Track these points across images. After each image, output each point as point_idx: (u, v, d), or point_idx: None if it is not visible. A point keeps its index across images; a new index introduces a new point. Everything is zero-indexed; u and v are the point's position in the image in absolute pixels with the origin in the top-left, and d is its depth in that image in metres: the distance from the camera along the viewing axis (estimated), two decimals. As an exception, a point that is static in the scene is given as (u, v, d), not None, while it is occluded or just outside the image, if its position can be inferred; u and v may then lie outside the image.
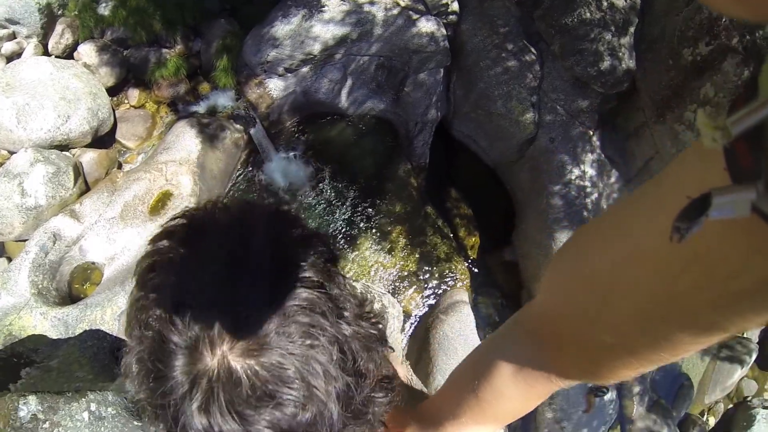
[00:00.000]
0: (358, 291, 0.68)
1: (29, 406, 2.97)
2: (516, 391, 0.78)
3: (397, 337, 2.97)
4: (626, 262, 0.56)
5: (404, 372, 1.27)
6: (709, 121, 0.39)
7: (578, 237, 0.70)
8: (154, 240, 0.66)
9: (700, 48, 4.46)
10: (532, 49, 5.16)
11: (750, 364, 6.44)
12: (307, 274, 0.59)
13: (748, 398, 6.64)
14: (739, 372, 6.35)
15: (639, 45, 4.96)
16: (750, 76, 0.39)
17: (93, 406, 3.21)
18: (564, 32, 4.92)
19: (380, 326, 0.68)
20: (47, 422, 3.03)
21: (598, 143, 5.15)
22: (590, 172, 5.08)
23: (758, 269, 0.41)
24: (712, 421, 6.48)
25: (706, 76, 4.43)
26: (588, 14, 4.82)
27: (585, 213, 5.04)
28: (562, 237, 5.07)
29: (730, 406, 6.65)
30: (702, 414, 6.46)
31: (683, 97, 4.61)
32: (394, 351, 1.21)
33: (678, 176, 0.52)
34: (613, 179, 5.13)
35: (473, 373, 0.84)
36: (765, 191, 0.35)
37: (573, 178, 5.07)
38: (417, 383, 3.76)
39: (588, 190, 5.05)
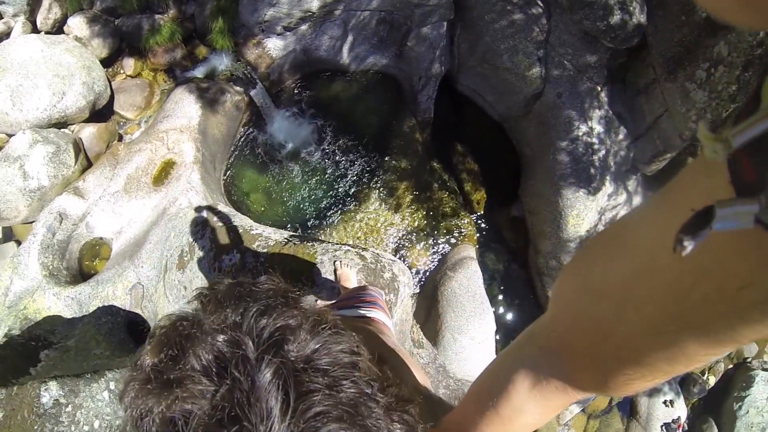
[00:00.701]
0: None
1: (50, 391, 3.08)
2: (535, 406, 0.79)
3: (408, 303, 3.02)
4: (638, 275, 0.56)
5: (424, 377, 1.26)
6: (709, 133, 0.40)
7: (587, 251, 0.70)
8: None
9: (716, 4, 4.27)
10: (539, 2, 4.96)
11: None
12: None
13: (748, 359, 6.75)
14: None
15: (650, 1, 4.75)
16: (754, 87, 0.39)
17: (112, 385, 3.33)
18: (572, -17, 4.71)
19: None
20: (69, 405, 3.15)
21: (606, 99, 5.03)
22: (598, 128, 4.99)
23: (767, 279, 0.41)
24: (712, 380, 6.60)
25: (720, 35, 4.28)
26: (598, -35, 4.61)
27: (592, 170, 5.00)
28: (569, 194, 5.05)
29: (730, 366, 6.75)
30: (702, 373, 6.58)
31: (696, 55, 4.46)
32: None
33: (685, 189, 0.52)
34: (621, 136, 5.04)
35: (491, 390, 0.85)
36: None
37: (580, 134, 4.98)
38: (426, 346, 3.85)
39: (595, 146, 4.98)
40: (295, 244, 3.00)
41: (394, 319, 2.65)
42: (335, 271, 2.84)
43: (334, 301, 1.96)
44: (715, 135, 0.39)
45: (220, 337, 0.55)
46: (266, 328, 0.56)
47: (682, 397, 6.13)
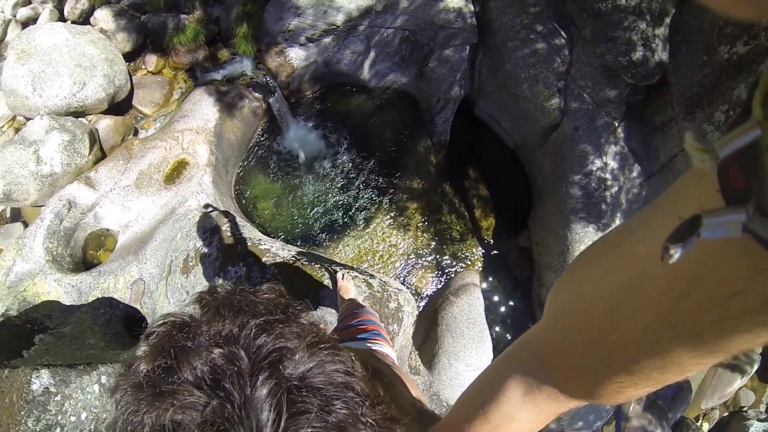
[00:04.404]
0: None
1: (41, 379, 3.06)
2: (526, 414, 0.79)
3: (409, 330, 2.99)
4: (631, 283, 0.56)
5: (418, 392, 1.26)
6: (696, 143, 0.40)
7: (581, 260, 0.70)
8: None
9: (738, 47, 4.26)
10: (563, 33, 4.97)
11: (750, 375, 6.39)
12: None
13: (744, 408, 6.59)
14: (739, 381, 6.29)
15: (673, 37, 4.74)
16: (744, 101, 0.39)
17: (103, 379, 3.30)
18: (597, 17, 4.71)
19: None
20: (59, 395, 3.12)
21: (622, 135, 5.00)
22: (612, 164, 4.96)
23: (758, 289, 0.42)
24: (705, 427, 6.46)
25: (741, 78, 4.26)
26: (623, 0, 4.60)
27: (603, 206, 4.96)
28: (578, 228, 5.01)
29: (726, 414, 6.61)
30: (697, 419, 6.45)
31: (715, 96, 4.44)
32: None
33: (676, 199, 0.53)
34: (635, 173, 5.01)
35: (482, 398, 0.84)
36: (755, 213, 0.36)
37: (594, 169, 4.96)
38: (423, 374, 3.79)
39: (608, 182, 4.95)
40: (303, 263, 2.98)
41: (396, 347, 2.62)
42: (336, 281, 2.82)
43: (337, 328, 1.95)
44: (702, 145, 0.39)
45: (216, 351, 0.55)
46: (263, 347, 0.56)
47: (674, 443, 6.02)
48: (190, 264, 3.16)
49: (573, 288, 0.70)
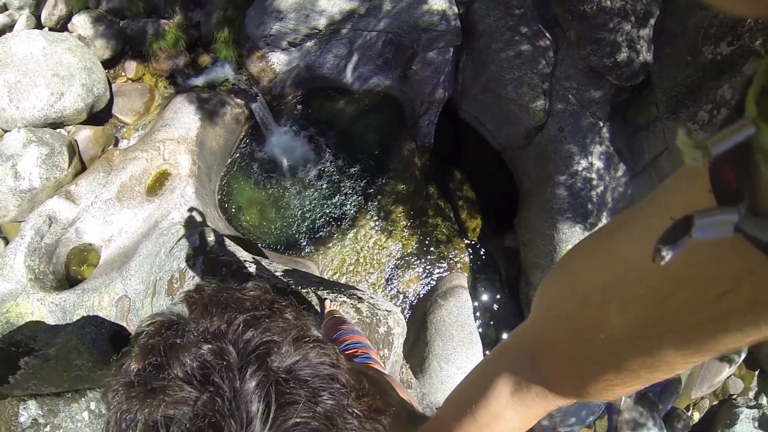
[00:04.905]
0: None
1: (29, 411, 3.00)
2: (514, 413, 0.78)
3: (400, 353, 2.97)
4: (620, 280, 0.55)
5: (408, 396, 1.28)
6: (689, 140, 0.40)
7: (569, 258, 0.69)
8: None
9: (722, 47, 4.29)
10: (547, 35, 4.95)
11: (738, 363, 6.48)
12: None
13: (734, 396, 6.70)
14: (727, 370, 6.39)
15: (657, 38, 4.75)
16: (737, 99, 0.38)
17: (92, 405, 3.25)
18: (582, 19, 4.70)
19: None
20: (48, 426, 3.06)
21: (607, 135, 5.02)
22: (598, 164, 4.98)
23: (748, 289, 0.42)
24: (696, 416, 6.56)
25: (725, 77, 4.28)
26: (608, 2, 4.59)
27: (589, 206, 4.98)
28: (565, 228, 5.03)
29: (715, 402, 6.71)
30: (687, 408, 6.55)
31: (699, 96, 4.46)
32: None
33: (667, 198, 0.53)
34: (620, 173, 5.03)
35: (470, 397, 0.83)
36: (747, 213, 0.36)
37: (580, 169, 4.97)
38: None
39: (594, 182, 4.97)
40: (290, 284, 2.93)
41: (387, 369, 2.60)
42: (323, 304, 2.81)
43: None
44: (694, 142, 0.39)
45: (205, 347, 0.56)
46: (251, 341, 0.57)
47: (665, 433, 6.10)
48: (175, 286, 3.11)
49: (561, 285, 0.69)
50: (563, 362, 0.68)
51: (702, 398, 6.65)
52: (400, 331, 2.83)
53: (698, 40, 4.40)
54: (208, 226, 3.23)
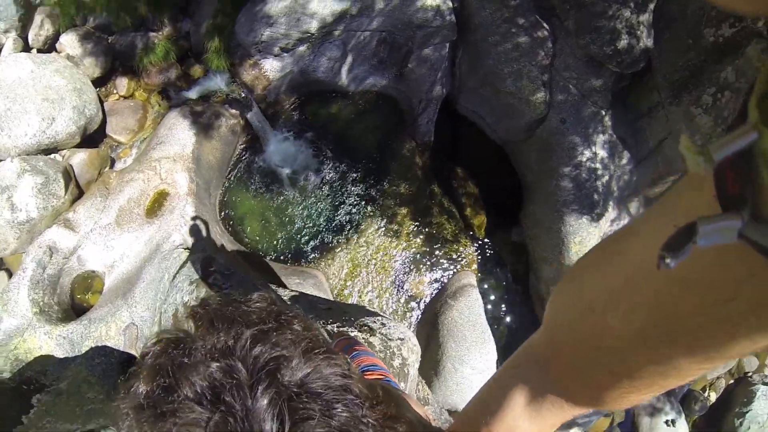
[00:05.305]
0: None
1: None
2: (530, 424, 0.77)
3: (415, 378, 2.91)
4: (628, 287, 0.56)
5: (423, 411, 1.26)
6: (691, 145, 0.40)
7: (578, 267, 0.70)
8: None
9: (723, 29, 4.18)
10: (545, 25, 4.83)
11: None
12: None
13: (749, 374, 6.69)
14: None
15: (657, 23, 4.64)
16: (741, 104, 0.39)
17: (109, 439, 3.20)
18: (580, 8, 4.58)
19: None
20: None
21: (610, 123, 4.92)
22: (602, 153, 4.89)
23: (749, 292, 0.42)
24: (713, 397, 6.57)
25: (728, 60, 4.19)
26: (606, -11, 4.48)
27: (595, 196, 4.90)
28: (572, 220, 4.96)
29: (731, 381, 6.70)
30: (704, 389, 6.55)
31: (701, 80, 4.37)
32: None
33: (673, 204, 0.53)
34: (624, 161, 4.95)
35: (485, 409, 0.83)
36: (750, 219, 0.36)
37: (584, 160, 4.88)
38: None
39: (599, 172, 4.89)
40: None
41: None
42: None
43: None
44: (697, 147, 0.39)
45: (214, 365, 0.55)
46: (260, 357, 0.56)
47: (683, 416, 6.08)
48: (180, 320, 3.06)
49: (571, 293, 0.70)
50: (576, 372, 0.69)
51: (718, 378, 6.64)
52: (414, 358, 2.78)
53: (699, 23, 4.29)
54: (210, 255, 3.15)
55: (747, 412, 6.18)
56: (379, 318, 2.88)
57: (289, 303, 2.97)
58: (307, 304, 3.02)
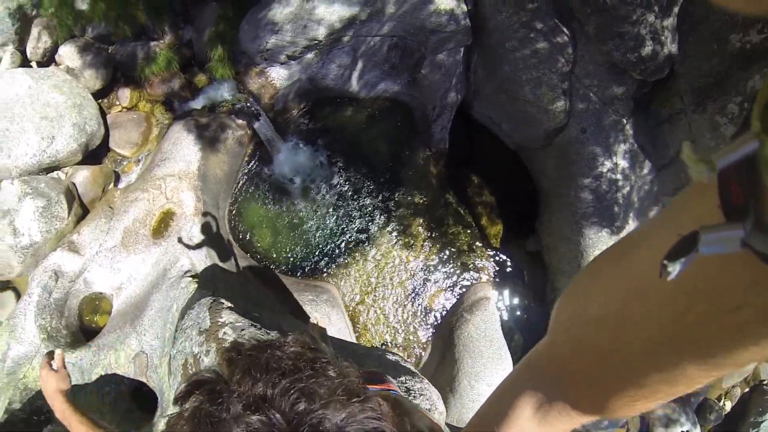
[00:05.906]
0: None
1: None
2: (538, 430, 0.77)
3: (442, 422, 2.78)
4: (635, 295, 0.55)
5: (435, 421, 1.33)
6: (693, 154, 0.41)
7: (583, 276, 0.70)
8: None
9: (751, 35, 3.98)
10: (564, 30, 4.60)
11: None
12: None
13: (765, 382, 6.57)
14: None
15: (680, 26, 4.41)
16: (746, 114, 0.36)
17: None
18: (601, 12, 4.34)
19: None
20: None
21: (631, 132, 4.72)
22: (623, 163, 4.70)
23: (753, 299, 0.41)
24: (728, 406, 6.46)
25: (754, 68, 3.99)
26: (629, -8, 4.25)
27: (616, 208, 4.74)
28: (591, 233, 4.81)
29: (747, 389, 6.58)
30: (719, 399, 6.44)
31: (727, 88, 4.18)
32: None
33: (678, 213, 0.53)
34: (645, 170, 4.77)
35: (493, 418, 0.83)
36: (753, 228, 0.36)
37: (605, 171, 4.70)
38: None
39: (620, 183, 4.71)
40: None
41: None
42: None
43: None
44: (699, 156, 0.40)
45: (254, 417, 0.56)
46: (296, 405, 0.57)
47: (699, 426, 6.00)
48: (190, 370, 2.92)
49: (578, 301, 0.69)
50: (583, 380, 0.68)
51: (733, 387, 6.53)
52: (440, 412, 2.66)
53: (724, 26, 4.08)
54: (219, 302, 2.98)
55: (762, 422, 6.10)
56: (417, 379, 2.74)
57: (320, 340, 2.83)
58: (338, 347, 2.89)
